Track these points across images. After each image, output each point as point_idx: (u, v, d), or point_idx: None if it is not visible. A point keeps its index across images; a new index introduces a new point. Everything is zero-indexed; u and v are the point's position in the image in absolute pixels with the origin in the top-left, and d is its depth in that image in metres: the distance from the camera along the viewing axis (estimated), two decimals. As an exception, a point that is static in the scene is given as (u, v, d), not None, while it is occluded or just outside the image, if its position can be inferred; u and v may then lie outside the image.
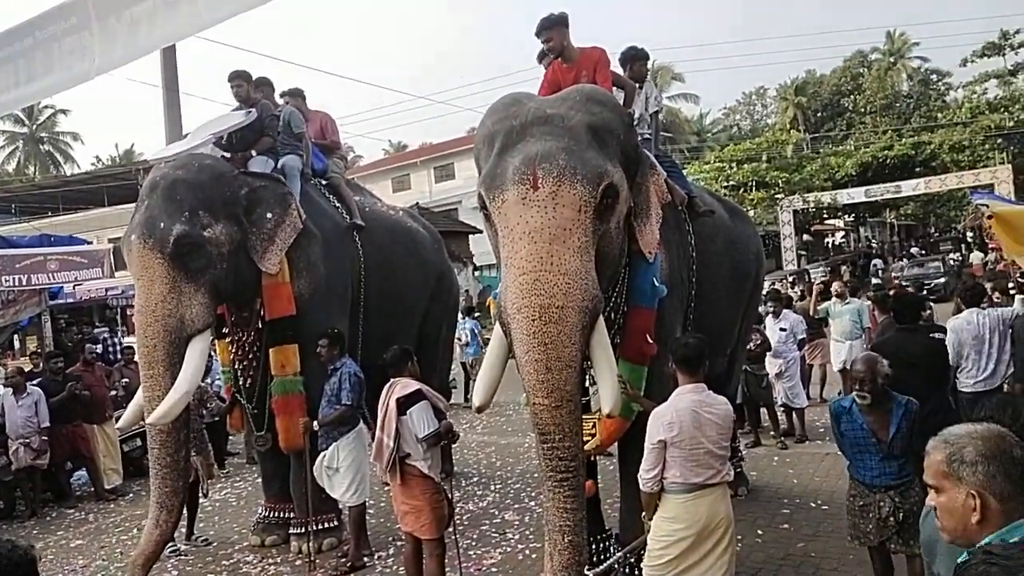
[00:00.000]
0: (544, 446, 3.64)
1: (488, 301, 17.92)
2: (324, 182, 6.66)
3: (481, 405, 3.97)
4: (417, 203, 27.73)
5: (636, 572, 3.99)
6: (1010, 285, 8.11)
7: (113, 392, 8.93)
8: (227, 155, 6.21)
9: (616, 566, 4.12)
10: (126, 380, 9.36)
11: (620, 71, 5.26)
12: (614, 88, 4.88)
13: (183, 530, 6.14)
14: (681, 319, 4.78)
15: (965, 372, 5.64)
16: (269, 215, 5.72)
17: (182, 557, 6.08)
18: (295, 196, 5.94)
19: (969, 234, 32.27)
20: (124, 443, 8.75)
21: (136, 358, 5.26)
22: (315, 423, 5.39)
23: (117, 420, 8.55)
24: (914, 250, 35.25)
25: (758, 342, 7.68)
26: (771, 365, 7.92)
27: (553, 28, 4.77)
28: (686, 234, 4.92)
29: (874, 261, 29.31)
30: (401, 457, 4.36)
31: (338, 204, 6.56)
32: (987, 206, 7.94)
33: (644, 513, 3.71)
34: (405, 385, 4.47)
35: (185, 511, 5.90)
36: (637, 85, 5.21)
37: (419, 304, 7.32)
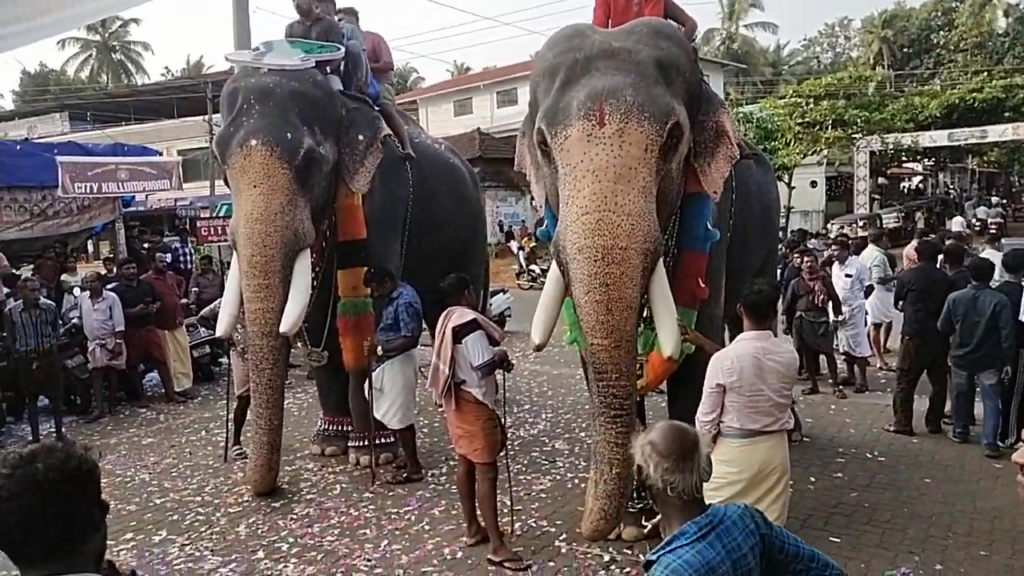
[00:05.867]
0: (600, 384, 3.66)
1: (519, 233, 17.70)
2: (377, 108, 6.56)
3: (541, 343, 3.98)
4: (479, 128, 27.53)
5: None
6: None
7: (185, 300, 9.27)
8: None
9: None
10: (196, 289, 9.70)
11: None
12: (669, 20, 4.68)
13: (247, 433, 6.42)
14: (725, 262, 4.68)
15: None
16: (361, 137, 5.81)
17: (247, 460, 6.38)
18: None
19: None
20: (194, 349, 9.16)
21: (243, 267, 5.30)
22: (379, 348, 5.48)
23: (187, 327, 8.99)
24: (994, 199, 33.59)
25: (822, 296, 7.45)
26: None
27: None
28: (730, 177, 4.77)
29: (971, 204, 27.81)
30: (456, 383, 4.43)
31: (390, 132, 6.48)
32: None
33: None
34: (462, 314, 4.50)
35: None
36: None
37: (457, 239, 7.34)
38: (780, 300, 7.08)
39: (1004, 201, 32.23)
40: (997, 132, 26.27)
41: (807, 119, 25.62)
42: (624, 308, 3.58)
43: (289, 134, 5.28)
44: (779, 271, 8.21)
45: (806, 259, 7.73)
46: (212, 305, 6.91)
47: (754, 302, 3.62)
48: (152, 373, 9.25)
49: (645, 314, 4.08)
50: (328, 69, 5.97)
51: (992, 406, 5.86)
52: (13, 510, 1.29)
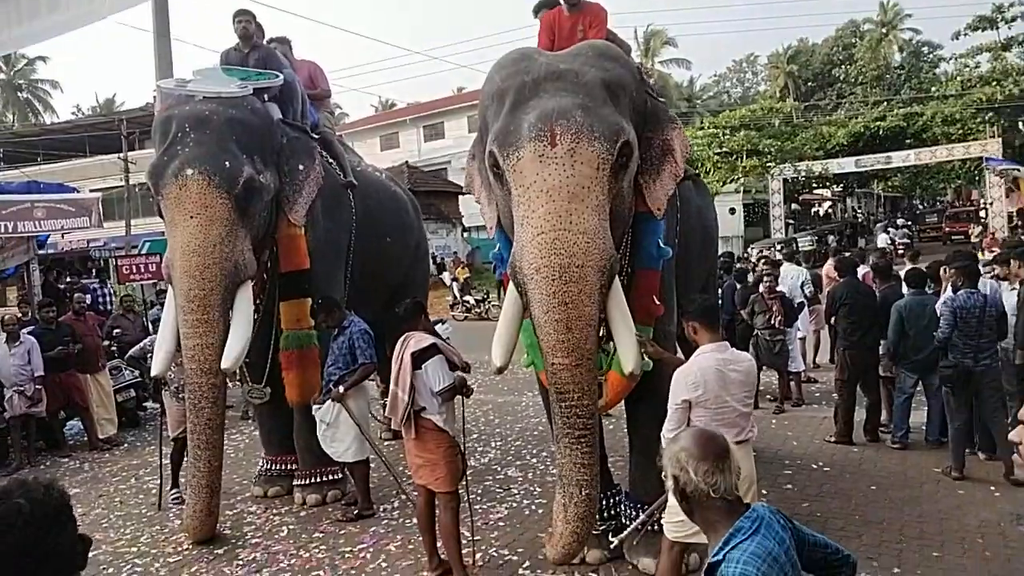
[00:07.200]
0: (562, 404, 3.62)
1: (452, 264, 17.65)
2: (316, 136, 6.43)
3: (502, 366, 3.93)
4: (406, 162, 27.50)
5: (656, 528, 4.00)
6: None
7: (106, 342, 8.80)
8: None
9: (638, 528, 4.13)
10: (119, 330, 9.25)
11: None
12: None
13: (183, 478, 6.10)
14: (674, 279, 4.76)
15: None
16: (301, 167, 5.69)
17: (184, 507, 6.04)
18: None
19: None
20: (118, 393, 8.68)
21: (180, 302, 5.05)
22: (340, 388, 5.32)
23: (110, 370, 8.53)
24: (899, 221, 35.55)
25: (779, 317, 7.68)
26: (768, 329, 7.94)
27: None
28: (675, 196, 4.88)
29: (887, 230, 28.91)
30: (416, 411, 4.32)
31: (331, 160, 6.39)
32: (1019, 170, 8.25)
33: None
34: (420, 339, 4.40)
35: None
36: None
37: (400, 268, 7.27)
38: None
39: (909, 223, 34.09)
40: (900, 158, 27.91)
41: (724, 149, 26.66)
42: (584, 326, 3.57)
43: (228, 163, 5.11)
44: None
45: (765, 278, 7.96)
46: (141, 344, 6.58)
47: (708, 308, 3.70)
48: (74, 420, 8.71)
49: (602, 333, 4.08)
50: (266, 97, 5.85)
51: (938, 406, 6.18)
52: (4, 548, 1.15)
